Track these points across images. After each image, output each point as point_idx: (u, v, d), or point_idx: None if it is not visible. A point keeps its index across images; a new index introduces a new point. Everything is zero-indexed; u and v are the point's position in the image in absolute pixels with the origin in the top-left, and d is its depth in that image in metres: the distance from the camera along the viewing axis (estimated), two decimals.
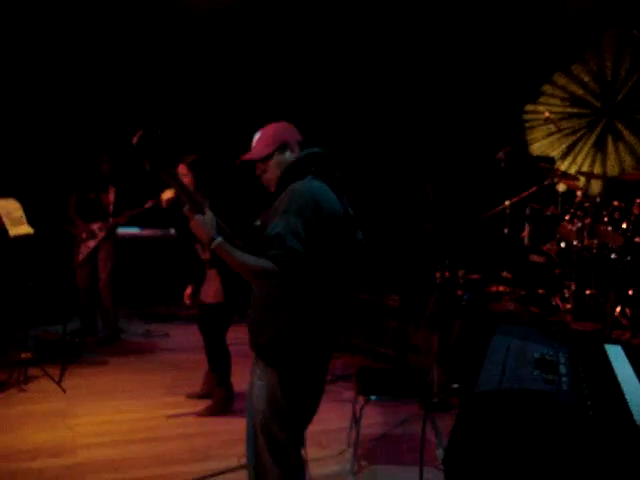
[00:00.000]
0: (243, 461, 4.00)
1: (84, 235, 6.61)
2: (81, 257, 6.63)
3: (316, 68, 8.67)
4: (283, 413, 2.84)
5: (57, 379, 5.53)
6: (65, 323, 5.97)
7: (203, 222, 2.67)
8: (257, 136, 2.99)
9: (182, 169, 4.91)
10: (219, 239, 2.65)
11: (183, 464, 4.28)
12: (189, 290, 5.18)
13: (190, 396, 5.37)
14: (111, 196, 6.68)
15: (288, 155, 2.93)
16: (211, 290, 4.99)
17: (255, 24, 8.34)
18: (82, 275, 6.79)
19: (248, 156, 2.97)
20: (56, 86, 7.66)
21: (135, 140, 2.64)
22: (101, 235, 6.57)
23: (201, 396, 5.31)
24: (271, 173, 2.94)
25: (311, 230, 2.67)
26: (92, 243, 6.59)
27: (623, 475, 2.02)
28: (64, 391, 5.39)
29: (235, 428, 4.63)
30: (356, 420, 4.32)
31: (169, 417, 5.01)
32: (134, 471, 4.17)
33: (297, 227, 2.63)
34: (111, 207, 6.67)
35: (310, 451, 4.22)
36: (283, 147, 2.93)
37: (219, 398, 5.10)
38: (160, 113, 7.83)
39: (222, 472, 4.15)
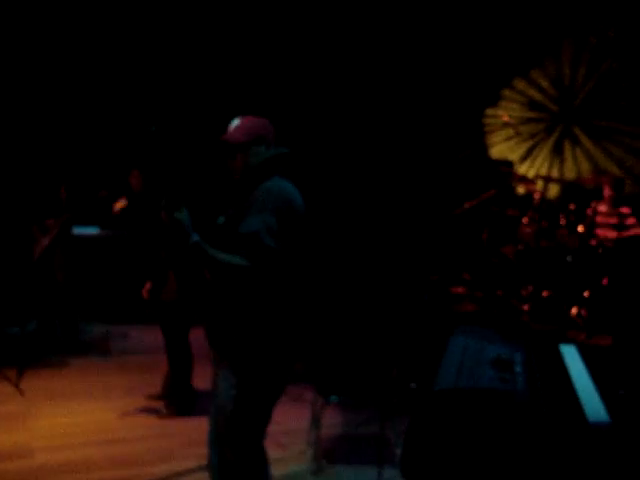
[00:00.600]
0: (204, 462, 3.99)
1: (38, 234, 6.49)
2: (36, 256, 6.51)
3: (280, 69, 8.67)
4: (248, 413, 2.85)
5: (15, 381, 5.45)
6: (23, 325, 5.88)
7: (180, 220, 2.67)
8: (236, 122, 3.00)
9: (135, 173, 5.18)
10: (196, 237, 2.67)
11: (143, 466, 4.25)
12: (148, 286, 5.19)
13: (150, 397, 5.34)
14: (63, 192, 6.56)
15: (262, 150, 2.95)
16: (168, 288, 5.03)
17: (224, 25, 8.33)
18: (40, 275, 6.68)
19: (224, 137, 2.98)
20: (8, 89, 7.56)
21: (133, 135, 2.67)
22: (55, 231, 6.43)
23: (161, 397, 5.28)
24: (240, 161, 2.94)
25: (285, 229, 2.71)
26: (46, 240, 6.45)
27: (575, 470, 2.08)
28: (22, 393, 5.32)
29: (196, 429, 4.61)
30: (316, 420, 4.34)
31: (129, 418, 4.97)
32: (94, 473, 4.13)
33: (273, 225, 2.68)
34: (64, 203, 6.54)
35: (270, 451, 4.20)
36: (259, 141, 2.95)
37: (179, 399, 5.08)
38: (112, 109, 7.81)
39: (183, 473, 4.13)
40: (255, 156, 2.93)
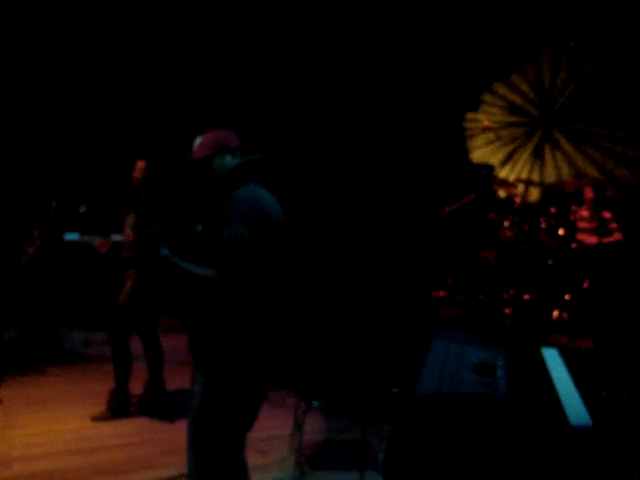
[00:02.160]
0: (184, 470, 3.96)
1: (25, 244, 6.45)
2: (22, 265, 6.46)
3: (261, 74, 8.66)
4: (227, 421, 2.82)
5: None
6: (1, 332, 5.80)
7: (150, 234, 2.67)
8: (199, 139, 3.03)
9: (140, 164, 5.02)
10: (164, 250, 2.65)
11: (124, 474, 4.20)
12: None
13: (130, 405, 5.28)
14: (53, 203, 6.52)
15: (229, 159, 2.96)
16: (123, 291, 5.05)
17: (197, 28, 8.30)
18: (24, 284, 6.65)
19: (190, 157, 3.00)
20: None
21: None
22: (38, 241, 6.40)
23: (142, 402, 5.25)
24: (210, 175, 2.97)
25: (256, 236, 2.68)
26: (30, 250, 6.42)
27: (558, 474, 2.06)
28: (0, 401, 5.25)
29: (175, 436, 4.58)
30: (298, 426, 4.31)
31: (109, 426, 4.91)
32: None
33: (242, 234, 2.65)
34: (52, 213, 6.50)
35: (253, 458, 4.18)
36: (223, 151, 2.96)
37: (113, 402, 5.07)
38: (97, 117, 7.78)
39: None
40: (220, 166, 2.96)
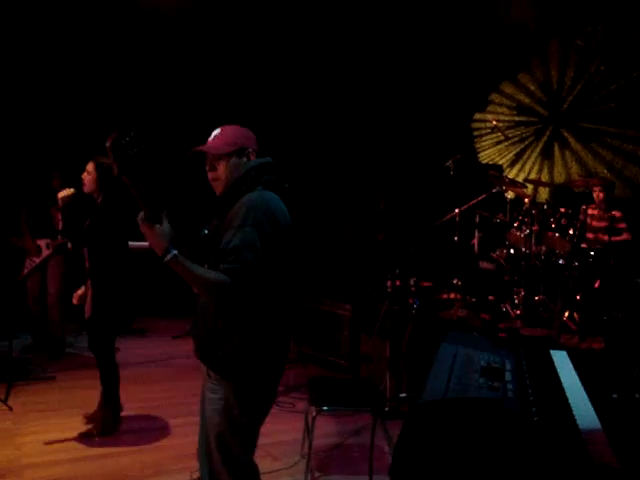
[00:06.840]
0: (196, 475, 3.97)
1: (30, 250, 6.48)
2: (25, 272, 6.49)
3: (269, 75, 8.67)
4: (239, 425, 2.80)
5: (3, 397, 5.39)
6: (11, 339, 5.80)
7: (161, 233, 2.58)
8: (217, 131, 2.88)
9: (89, 166, 4.77)
10: (174, 252, 2.57)
11: None
12: (79, 292, 4.99)
13: (140, 410, 5.28)
14: (54, 212, 6.53)
15: (244, 161, 2.85)
16: (87, 304, 4.86)
17: (202, 27, 8.30)
18: (30, 290, 6.72)
19: (204, 148, 2.85)
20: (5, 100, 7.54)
21: (108, 143, 2.48)
22: (47, 252, 6.43)
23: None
24: (222, 173, 2.83)
25: (267, 242, 2.65)
26: (37, 259, 6.45)
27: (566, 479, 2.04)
28: (10, 409, 5.26)
29: (186, 442, 4.59)
30: (309, 431, 4.30)
31: (119, 432, 4.91)
32: None
33: (254, 240, 2.61)
34: (61, 224, 6.52)
35: (263, 463, 4.17)
36: (242, 152, 2.84)
37: (106, 418, 4.90)
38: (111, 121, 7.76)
39: None
40: (237, 168, 2.83)
